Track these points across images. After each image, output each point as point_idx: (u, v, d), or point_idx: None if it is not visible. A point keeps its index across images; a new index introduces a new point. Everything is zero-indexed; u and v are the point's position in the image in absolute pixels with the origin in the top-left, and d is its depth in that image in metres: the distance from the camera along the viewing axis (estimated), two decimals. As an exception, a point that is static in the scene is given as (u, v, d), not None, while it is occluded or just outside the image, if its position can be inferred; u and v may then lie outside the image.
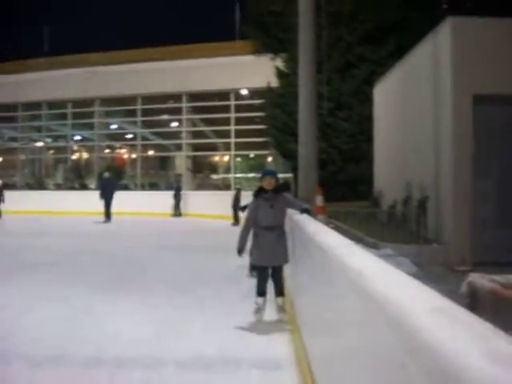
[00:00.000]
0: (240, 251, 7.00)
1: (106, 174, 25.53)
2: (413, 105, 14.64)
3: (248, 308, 7.19)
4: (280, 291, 7.14)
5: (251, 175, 37.66)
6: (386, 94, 18.58)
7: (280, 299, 7.12)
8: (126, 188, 36.54)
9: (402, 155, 15.55)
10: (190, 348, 5.71)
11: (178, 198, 26.12)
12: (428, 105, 12.88)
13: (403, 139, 15.60)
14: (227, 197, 22.45)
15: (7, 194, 25.74)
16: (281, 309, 7.07)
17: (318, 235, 3.91)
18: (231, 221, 21.32)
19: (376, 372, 2.01)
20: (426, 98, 13.06)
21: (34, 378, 4.93)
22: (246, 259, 8.97)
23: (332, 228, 5.16)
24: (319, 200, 11.13)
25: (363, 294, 2.09)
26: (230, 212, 21.62)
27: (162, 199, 26.35)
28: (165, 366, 5.13)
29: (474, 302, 5.94)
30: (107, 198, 23.12)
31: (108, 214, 23.17)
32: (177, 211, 26.09)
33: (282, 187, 7.27)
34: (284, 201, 7.04)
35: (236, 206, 20.86)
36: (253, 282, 8.87)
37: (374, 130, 20.28)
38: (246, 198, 16.52)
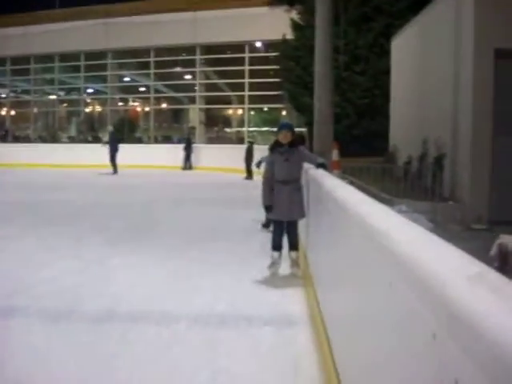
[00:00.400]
0: (267, 208, 6.96)
1: (110, 128, 25.67)
2: (432, 59, 14.28)
3: (261, 263, 7.12)
4: (294, 245, 7.07)
5: (265, 129, 37.46)
6: (403, 47, 18.16)
7: (294, 253, 7.05)
8: (139, 141, 36.50)
9: (420, 111, 15.26)
10: (202, 303, 5.66)
11: (188, 151, 25.88)
12: (448, 59, 12.54)
13: (421, 94, 15.29)
14: (240, 150, 22.27)
15: (20, 146, 25.68)
16: (294, 263, 7.02)
17: (336, 191, 3.77)
18: (244, 174, 21.21)
19: (396, 335, 1.92)
20: (447, 52, 12.71)
21: (49, 332, 4.91)
22: (260, 213, 8.96)
23: (347, 183, 5.01)
24: (335, 154, 11.00)
25: (387, 254, 1.97)
26: (242, 166, 21.47)
27: (174, 152, 26.18)
28: (176, 321, 5.09)
29: (505, 265, 5.60)
30: (111, 150, 23.39)
31: (114, 167, 23.45)
32: (187, 164, 25.93)
33: (298, 141, 7.10)
34: (299, 155, 6.90)
35: (249, 160, 20.78)
36: (267, 237, 8.83)
37: (391, 85, 19.90)
38: (259, 151, 16.47)
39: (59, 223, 10.98)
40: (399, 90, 18.63)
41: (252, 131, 36.91)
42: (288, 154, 6.80)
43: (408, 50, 17.46)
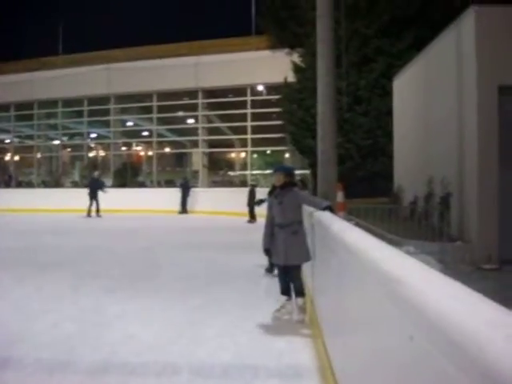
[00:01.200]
0: (267, 251, 6.83)
1: (95, 174, 26.48)
2: (435, 97, 14.22)
3: (266, 309, 6.90)
4: (297, 291, 6.83)
5: (268, 172, 37.39)
6: (405, 86, 18.14)
7: (300, 299, 6.83)
8: (142, 185, 36.50)
9: (424, 150, 15.14)
10: (205, 353, 5.39)
11: (184, 195, 26.06)
12: (451, 97, 12.46)
13: (425, 133, 15.18)
14: (242, 193, 22.19)
15: (24, 191, 25.85)
16: (301, 309, 6.79)
17: (345, 234, 3.57)
18: (247, 218, 21.07)
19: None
20: (449, 90, 12.65)
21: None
22: (263, 257, 8.74)
23: (353, 225, 4.81)
24: (340, 196, 10.80)
25: (405, 304, 1.78)
26: (244, 209, 21.38)
27: (176, 196, 26.14)
28: (178, 373, 4.83)
29: None
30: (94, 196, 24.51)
31: (94, 211, 24.40)
32: (183, 208, 26.01)
33: (290, 183, 6.90)
34: (293, 196, 6.74)
35: (251, 203, 20.64)
36: (271, 281, 8.61)
37: (394, 125, 19.83)
38: (260, 194, 16.34)
39: (57, 269, 10.72)
40: (402, 130, 18.54)
41: (255, 174, 36.87)
42: (281, 196, 6.71)
43: (410, 90, 17.43)
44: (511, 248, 10.69)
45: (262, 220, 7.77)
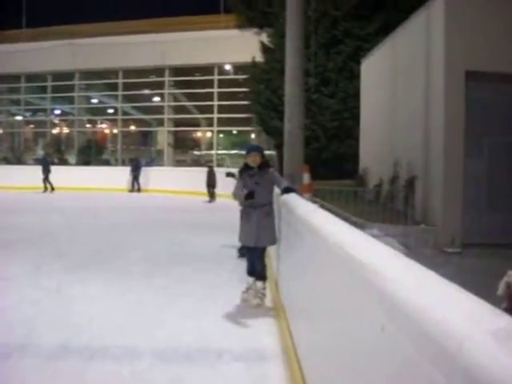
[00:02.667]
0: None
1: (41, 153, 27.89)
2: (402, 81, 14.23)
3: (231, 291, 6.82)
4: (260, 274, 6.66)
5: (234, 152, 37.31)
6: (373, 69, 18.14)
7: (260, 283, 6.63)
8: (106, 163, 36.11)
9: (390, 133, 15.17)
10: (167, 337, 5.29)
11: (136, 173, 25.94)
12: (418, 81, 12.48)
13: (392, 117, 15.21)
14: (201, 173, 22.04)
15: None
16: (257, 293, 6.58)
17: (312, 218, 3.49)
18: (207, 198, 21.12)
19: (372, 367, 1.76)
20: (417, 74, 12.66)
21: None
22: (230, 239, 8.70)
23: (318, 207, 4.73)
24: (306, 178, 10.74)
25: (372, 290, 1.72)
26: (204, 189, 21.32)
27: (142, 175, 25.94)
28: (139, 357, 4.70)
29: None
30: (44, 172, 25.53)
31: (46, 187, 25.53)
32: (135, 186, 25.94)
33: (266, 163, 6.73)
34: (270, 177, 6.59)
35: (210, 184, 20.86)
36: (236, 263, 8.55)
37: (361, 107, 19.84)
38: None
39: (16, 249, 10.46)
40: (369, 113, 18.57)
41: (221, 154, 36.72)
42: (258, 177, 6.51)
43: (378, 73, 17.44)
44: (474, 232, 10.82)
45: (222, 200, 7.60)
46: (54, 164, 26.88)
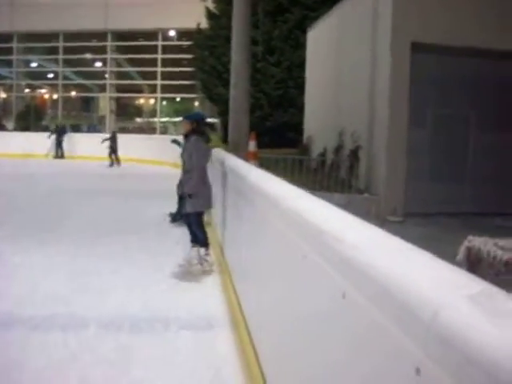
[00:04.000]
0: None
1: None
2: (348, 51, 14.25)
3: (176, 259, 6.74)
4: (199, 241, 6.75)
5: (177, 119, 36.90)
6: (319, 38, 18.10)
7: (202, 250, 6.72)
8: (46, 129, 35.15)
9: (335, 103, 15.21)
10: (113, 305, 5.19)
11: (60, 139, 25.40)
12: (365, 51, 12.50)
13: (337, 86, 15.24)
14: (151, 140, 21.80)
15: None
16: (202, 259, 6.64)
17: (265, 185, 3.44)
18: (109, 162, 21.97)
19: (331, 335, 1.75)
20: (363, 44, 12.68)
21: None
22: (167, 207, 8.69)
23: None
24: (252, 145, 10.72)
25: (331, 256, 1.69)
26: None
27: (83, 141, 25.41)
28: (85, 326, 4.61)
29: (474, 272, 4.70)
30: None
31: None
32: (58, 152, 25.38)
33: (193, 130, 6.72)
34: (190, 145, 6.70)
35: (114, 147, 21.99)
36: (181, 230, 8.45)
37: (306, 76, 19.82)
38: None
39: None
40: (314, 82, 18.57)
41: (164, 122, 36.31)
42: (185, 143, 6.84)
43: (324, 42, 17.41)
44: (415, 201, 11.01)
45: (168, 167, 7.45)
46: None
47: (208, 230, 8.52)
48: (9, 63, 37.47)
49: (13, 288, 5.71)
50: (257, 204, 3.60)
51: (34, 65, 39.23)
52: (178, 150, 8.44)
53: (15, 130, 32.38)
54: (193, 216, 6.70)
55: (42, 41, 37.17)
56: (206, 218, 9.55)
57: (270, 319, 3.14)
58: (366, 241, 1.60)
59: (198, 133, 6.73)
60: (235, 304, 4.70)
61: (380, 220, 10.54)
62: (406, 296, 1.15)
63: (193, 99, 35.45)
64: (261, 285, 3.49)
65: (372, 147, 12.00)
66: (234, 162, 5.94)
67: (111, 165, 21.79)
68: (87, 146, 24.99)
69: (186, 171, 6.68)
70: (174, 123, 36.60)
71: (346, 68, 14.47)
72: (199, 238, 6.71)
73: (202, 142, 6.73)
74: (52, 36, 35.93)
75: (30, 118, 35.78)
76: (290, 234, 2.41)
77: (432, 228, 9.63)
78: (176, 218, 9.34)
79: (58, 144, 25.28)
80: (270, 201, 3.00)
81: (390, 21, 11.08)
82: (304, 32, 20.86)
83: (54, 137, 25.27)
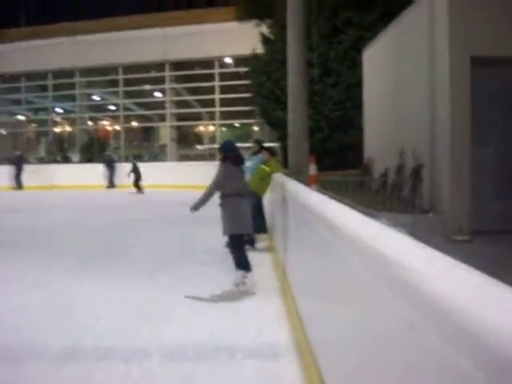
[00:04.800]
0: None
1: (17, 152, 28.22)
2: (406, 69, 14.06)
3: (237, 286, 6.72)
4: (235, 263, 7.00)
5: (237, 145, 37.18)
6: (376, 58, 17.97)
7: (238, 273, 6.94)
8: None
9: (395, 122, 15.01)
10: (177, 335, 5.19)
11: (111, 169, 26.33)
12: (422, 68, 12.31)
13: (395, 105, 15.05)
14: (212, 167, 21.89)
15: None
16: (236, 283, 6.89)
17: (325, 209, 3.38)
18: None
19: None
20: (421, 60, 12.48)
21: (6, 372, 4.40)
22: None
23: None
24: (312, 169, 10.63)
25: (399, 286, 1.61)
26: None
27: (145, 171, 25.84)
28: (148, 357, 4.60)
29: None
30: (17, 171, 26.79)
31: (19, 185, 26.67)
32: (111, 183, 26.23)
33: (224, 158, 7.22)
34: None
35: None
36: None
37: (364, 96, 19.67)
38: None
39: (18, 249, 10.37)
40: (372, 101, 18.41)
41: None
42: None
43: (380, 61, 17.27)
44: (482, 219, 10.68)
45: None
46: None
47: (270, 254, 8.52)
48: (72, 98, 38.61)
49: (77, 319, 5.78)
50: (318, 230, 3.53)
51: (96, 98, 40.33)
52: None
53: (80, 162, 33.27)
54: (231, 239, 6.98)
55: (102, 74, 38.26)
56: (268, 242, 9.58)
57: (336, 347, 3.06)
58: (436, 270, 1.52)
59: (228, 160, 7.10)
60: (299, 330, 4.62)
61: (446, 239, 10.29)
62: (483, 334, 1.08)
63: (252, 124, 35.69)
64: (326, 311, 3.41)
65: (435, 165, 11.75)
66: (295, 186, 5.89)
67: (138, 192, 23.03)
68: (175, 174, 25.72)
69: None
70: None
71: (403, 86, 14.28)
72: (234, 261, 6.91)
73: (222, 166, 7.12)
74: (112, 69, 36.91)
75: (93, 150, 36.73)
76: (355, 261, 2.34)
77: (500, 247, 9.32)
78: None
79: (110, 175, 26.18)
80: (332, 227, 2.93)
81: (448, 36, 10.87)
82: (359, 52, 20.80)
83: (105, 168, 26.26)
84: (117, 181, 26.00)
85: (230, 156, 7.16)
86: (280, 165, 10.49)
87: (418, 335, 1.49)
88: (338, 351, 3.00)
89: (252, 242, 9.65)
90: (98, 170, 26.31)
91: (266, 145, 11.27)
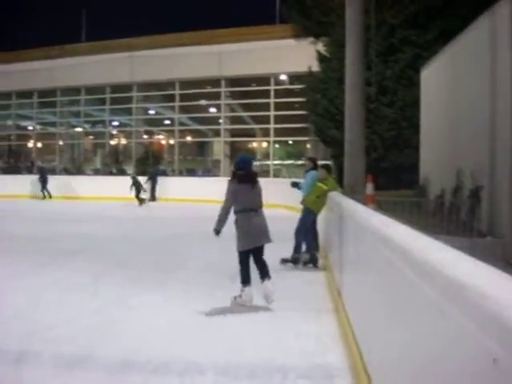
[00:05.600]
0: None
1: (39, 164, 30.42)
2: (466, 88, 13.80)
3: (293, 305, 6.68)
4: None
5: (289, 162, 37.21)
6: (434, 77, 17.73)
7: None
8: (163, 174, 36.45)
9: (452, 142, 14.74)
10: (231, 352, 5.14)
11: (154, 183, 26.73)
12: (482, 88, 12.07)
13: (454, 125, 14.78)
14: (265, 183, 21.88)
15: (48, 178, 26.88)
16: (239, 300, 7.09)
17: (390, 231, 3.30)
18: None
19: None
20: (481, 81, 12.25)
21: (60, 382, 4.44)
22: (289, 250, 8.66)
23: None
24: (369, 188, 10.49)
25: (479, 315, 1.53)
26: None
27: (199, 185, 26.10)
28: (202, 373, 4.58)
29: None
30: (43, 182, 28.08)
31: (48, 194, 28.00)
32: (152, 196, 26.55)
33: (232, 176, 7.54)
34: None
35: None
36: (296, 275, 8.42)
37: (421, 116, 19.41)
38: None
39: (76, 258, 10.58)
40: (429, 121, 18.15)
41: (277, 164, 36.62)
42: None
43: (439, 80, 17.04)
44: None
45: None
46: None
47: (324, 273, 8.45)
48: (129, 111, 39.30)
49: (132, 331, 5.81)
50: (381, 251, 3.45)
51: (151, 112, 40.96)
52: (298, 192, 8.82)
53: (136, 174, 33.78)
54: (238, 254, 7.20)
55: (159, 89, 38.85)
56: (322, 261, 9.50)
57: (395, 372, 2.96)
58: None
59: (235, 177, 7.36)
60: (355, 351, 4.52)
61: (506, 264, 10.01)
62: None
63: (305, 142, 35.62)
64: (386, 334, 3.31)
65: (494, 187, 11.46)
66: (353, 206, 5.80)
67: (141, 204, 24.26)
68: (179, 189, 26.38)
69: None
70: (287, 166, 36.86)
71: (463, 105, 14.01)
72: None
73: (228, 184, 7.36)
74: (168, 84, 37.43)
75: (148, 163, 37.26)
76: (423, 287, 2.25)
77: None
78: (296, 260, 9.51)
79: (152, 188, 26.61)
80: (397, 250, 2.85)
81: (510, 57, 10.65)
82: (416, 71, 20.57)
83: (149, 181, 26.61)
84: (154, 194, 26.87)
85: (238, 174, 7.35)
86: (336, 183, 10.40)
87: (499, 369, 1.41)
88: (397, 376, 2.91)
89: (315, 262, 9.59)
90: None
91: (322, 163, 11.21)
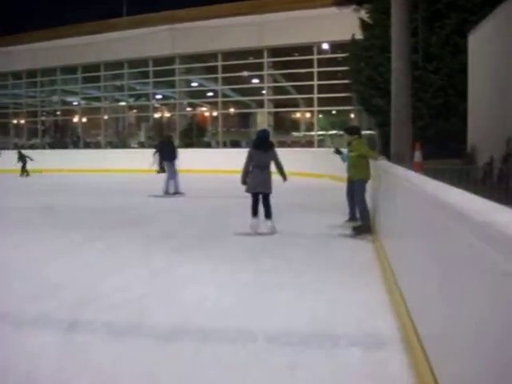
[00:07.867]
0: None
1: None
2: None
3: (342, 274, 6.67)
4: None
5: (333, 132, 36.91)
6: (483, 42, 17.22)
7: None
8: (208, 145, 36.51)
9: (502, 109, 14.36)
10: (281, 319, 5.16)
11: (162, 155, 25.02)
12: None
13: (504, 91, 14.38)
14: (309, 154, 21.87)
15: (91, 152, 26.99)
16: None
17: (446, 196, 3.24)
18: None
19: None
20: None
21: (115, 349, 4.52)
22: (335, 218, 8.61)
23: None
24: (417, 156, 10.35)
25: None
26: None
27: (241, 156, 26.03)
28: (253, 340, 4.60)
29: None
30: None
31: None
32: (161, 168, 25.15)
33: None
34: None
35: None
36: (347, 243, 8.41)
37: (469, 83, 18.92)
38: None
39: (125, 229, 10.75)
40: (478, 88, 17.69)
41: (321, 134, 36.34)
42: None
43: (488, 45, 16.54)
44: None
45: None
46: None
47: (373, 241, 8.41)
48: (172, 84, 39.39)
49: (183, 299, 5.89)
50: (437, 217, 3.38)
51: (194, 84, 40.98)
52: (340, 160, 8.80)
53: (179, 146, 33.95)
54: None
55: (201, 61, 38.81)
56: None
57: (452, 343, 2.91)
58: None
59: (253, 145, 10.34)
60: (406, 320, 4.49)
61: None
62: None
63: (348, 111, 35.22)
64: (441, 304, 3.26)
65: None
66: (404, 173, 5.71)
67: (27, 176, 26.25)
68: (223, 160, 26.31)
69: None
70: (331, 136, 36.56)
71: (512, 72, 13.63)
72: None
73: (249, 149, 10.21)
74: (210, 56, 37.34)
75: (192, 135, 37.38)
76: (485, 250, 2.19)
77: None
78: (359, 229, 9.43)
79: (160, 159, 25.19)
80: (455, 214, 2.78)
81: None
82: (463, 37, 20.01)
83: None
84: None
85: (254, 142, 10.28)
86: (363, 143, 9.97)
87: None
88: (452, 345, 2.86)
89: (368, 230, 9.38)
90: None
91: (362, 132, 10.91)
